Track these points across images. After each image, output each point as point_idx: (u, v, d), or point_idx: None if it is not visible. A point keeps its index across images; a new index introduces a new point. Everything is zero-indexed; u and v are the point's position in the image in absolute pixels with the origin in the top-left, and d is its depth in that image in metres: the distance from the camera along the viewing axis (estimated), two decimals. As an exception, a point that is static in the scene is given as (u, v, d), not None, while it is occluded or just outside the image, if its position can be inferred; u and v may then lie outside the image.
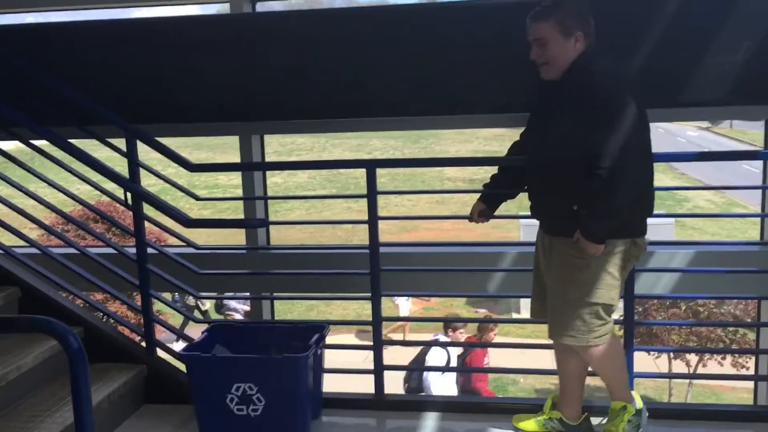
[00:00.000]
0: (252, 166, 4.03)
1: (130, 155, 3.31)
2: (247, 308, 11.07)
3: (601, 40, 3.21)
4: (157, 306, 3.88)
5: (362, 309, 15.09)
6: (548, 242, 2.77)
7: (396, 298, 12.47)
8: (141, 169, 3.41)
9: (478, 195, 2.99)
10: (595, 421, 2.97)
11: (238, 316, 11.44)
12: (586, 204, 2.51)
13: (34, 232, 5.84)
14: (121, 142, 3.41)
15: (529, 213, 2.87)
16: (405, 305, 12.60)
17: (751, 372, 8.41)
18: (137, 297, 3.46)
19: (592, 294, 2.62)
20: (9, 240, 3.65)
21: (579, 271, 2.62)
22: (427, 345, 6.24)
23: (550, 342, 2.90)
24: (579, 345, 2.68)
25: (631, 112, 2.44)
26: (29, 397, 2.94)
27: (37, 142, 3.51)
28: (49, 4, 4.33)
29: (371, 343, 3.33)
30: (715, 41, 3.17)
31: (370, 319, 3.29)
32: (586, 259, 2.59)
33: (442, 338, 6.29)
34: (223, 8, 4.16)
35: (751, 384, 4.07)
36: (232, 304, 11.41)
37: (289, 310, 17.42)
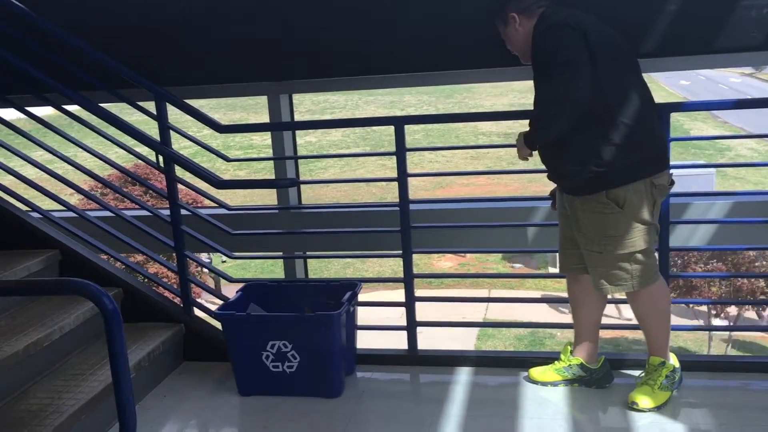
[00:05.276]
0: (279, 126, 4.02)
1: (160, 118, 3.34)
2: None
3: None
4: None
5: (398, 266, 15.20)
6: (567, 201, 2.77)
7: None
8: (175, 133, 3.44)
9: (511, 149, 2.92)
10: (631, 373, 2.98)
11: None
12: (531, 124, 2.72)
13: (72, 198, 5.96)
14: (151, 105, 3.43)
15: None
16: None
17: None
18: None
19: (626, 245, 2.62)
20: (49, 205, 3.73)
21: (607, 227, 2.62)
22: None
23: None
24: (628, 292, 2.72)
25: (579, 58, 2.46)
26: (73, 356, 3.03)
27: (71, 108, 3.56)
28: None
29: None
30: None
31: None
32: (612, 213, 2.58)
33: None
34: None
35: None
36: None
37: (325, 267, 17.58)
